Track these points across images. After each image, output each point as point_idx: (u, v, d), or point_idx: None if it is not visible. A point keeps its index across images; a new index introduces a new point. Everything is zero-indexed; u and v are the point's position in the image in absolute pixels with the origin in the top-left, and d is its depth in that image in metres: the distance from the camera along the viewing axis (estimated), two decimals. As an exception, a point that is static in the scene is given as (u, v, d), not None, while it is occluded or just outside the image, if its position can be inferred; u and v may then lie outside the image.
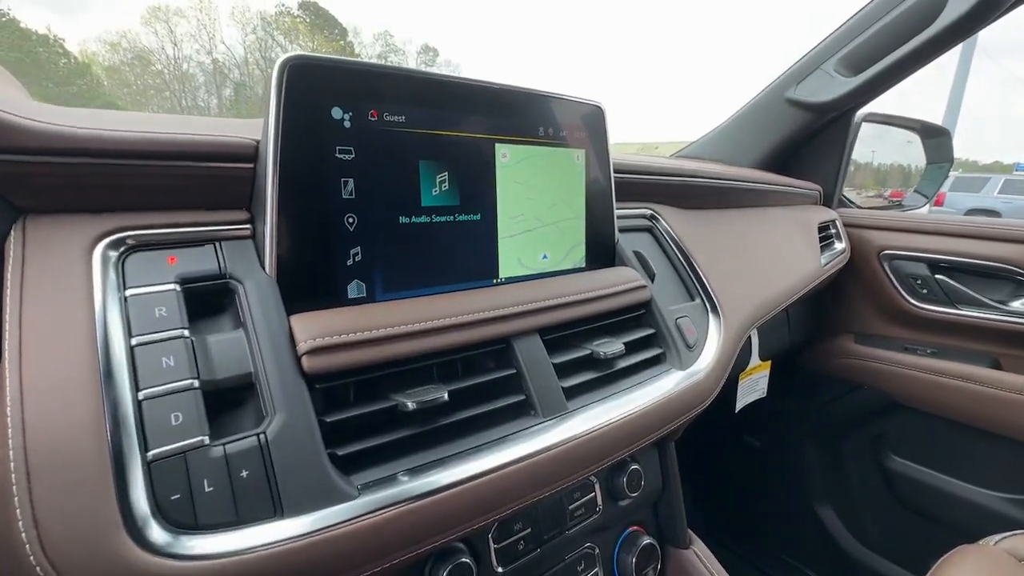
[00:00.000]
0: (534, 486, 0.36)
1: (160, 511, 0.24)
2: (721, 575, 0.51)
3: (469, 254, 0.42)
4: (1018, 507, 0.87)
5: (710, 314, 0.56)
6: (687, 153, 1.20)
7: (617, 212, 0.54)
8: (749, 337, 0.92)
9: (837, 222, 1.04)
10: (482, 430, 0.36)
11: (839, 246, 1.02)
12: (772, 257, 0.80)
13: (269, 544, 0.25)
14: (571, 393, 0.41)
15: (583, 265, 0.52)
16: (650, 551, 0.49)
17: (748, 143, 1.10)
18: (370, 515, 0.28)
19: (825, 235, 1.00)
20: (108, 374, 0.25)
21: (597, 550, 0.48)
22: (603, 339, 0.47)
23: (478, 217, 0.43)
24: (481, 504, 0.33)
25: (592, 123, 0.50)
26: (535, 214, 0.48)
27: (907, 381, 0.99)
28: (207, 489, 0.25)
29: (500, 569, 0.39)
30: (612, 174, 0.53)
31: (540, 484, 0.36)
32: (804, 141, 1.08)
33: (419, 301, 0.37)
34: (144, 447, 0.25)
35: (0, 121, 0.25)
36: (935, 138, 1.18)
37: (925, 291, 0.97)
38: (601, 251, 0.53)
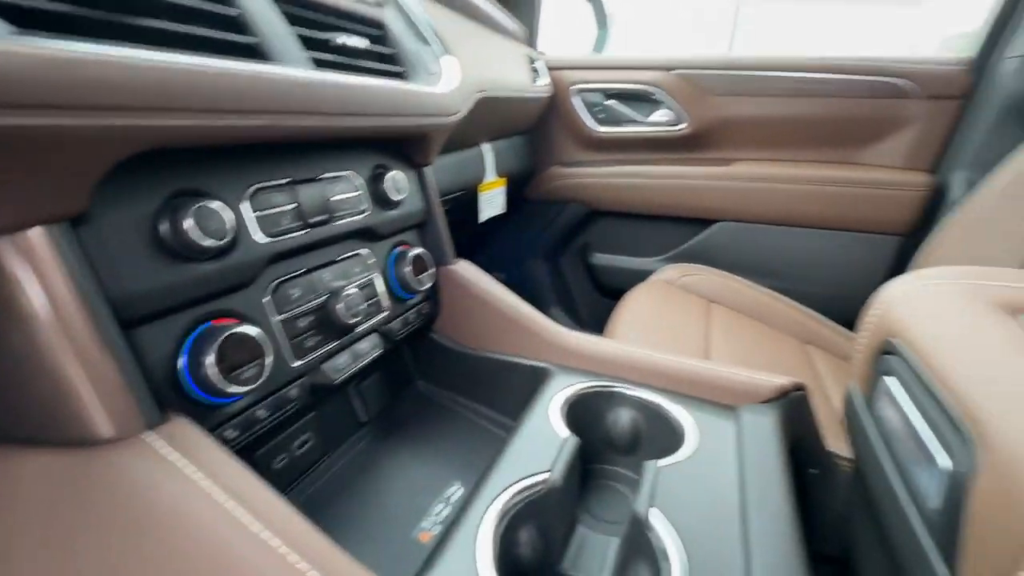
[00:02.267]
0: (276, 105, 0.32)
1: None
2: (490, 281, 0.58)
3: None
4: (667, 262, 1.24)
5: (445, 56, 0.59)
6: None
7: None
8: (481, 152, 1.03)
9: (540, 60, 1.21)
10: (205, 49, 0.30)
11: (543, 80, 1.19)
12: (496, 57, 0.88)
13: None
14: (316, 63, 0.38)
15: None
16: (423, 260, 0.52)
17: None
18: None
19: (532, 66, 1.15)
20: None
21: (372, 258, 0.48)
22: (344, 35, 0.44)
23: None
24: (222, 95, 0.28)
25: None
26: None
27: (599, 190, 1.27)
28: None
29: (262, 240, 0.35)
30: None
31: (281, 107, 0.33)
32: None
33: None
34: None
35: None
36: (595, 3, 1.46)
37: (603, 115, 1.23)
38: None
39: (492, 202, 1.08)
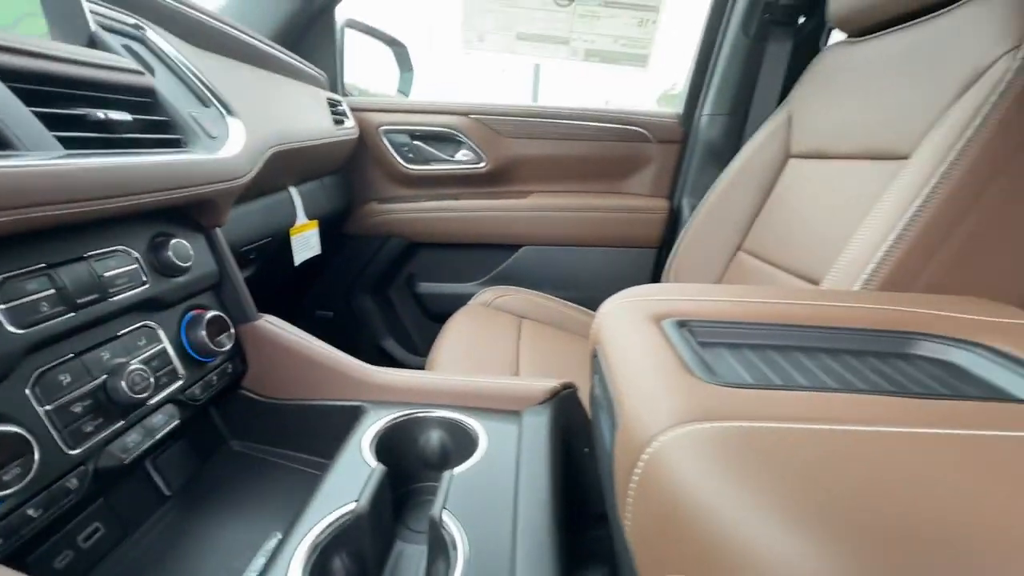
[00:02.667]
0: (19, 200, 0.32)
1: None
2: (296, 331, 0.60)
3: None
4: (484, 285, 1.37)
5: (228, 117, 0.60)
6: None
7: (94, 8, 0.49)
8: (290, 195, 1.02)
9: (343, 104, 1.24)
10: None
11: (349, 123, 1.22)
12: (291, 106, 0.90)
13: None
14: (67, 143, 0.38)
15: (48, 39, 0.45)
16: (220, 322, 0.52)
17: (259, 17, 1.13)
18: None
19: (336, 112, 1.18)
20: None
21: (160, 330, 0.47)
22: (104, 111, 0.43)
23: None
24: None
25: None
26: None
27: (416, 224, 1.35)
28: None
29: (15, 331, 0.34)
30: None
31: (25, 202, 0.33)
32: (304, 27, 1.20)
33: None
34: None
35: None
36: (398, 48, 1.55)
37: (411, 155, 1.32)
38: (71, 29, 0.47)
39: (306, 244, 1.08)
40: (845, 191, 0.78)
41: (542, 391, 0.58)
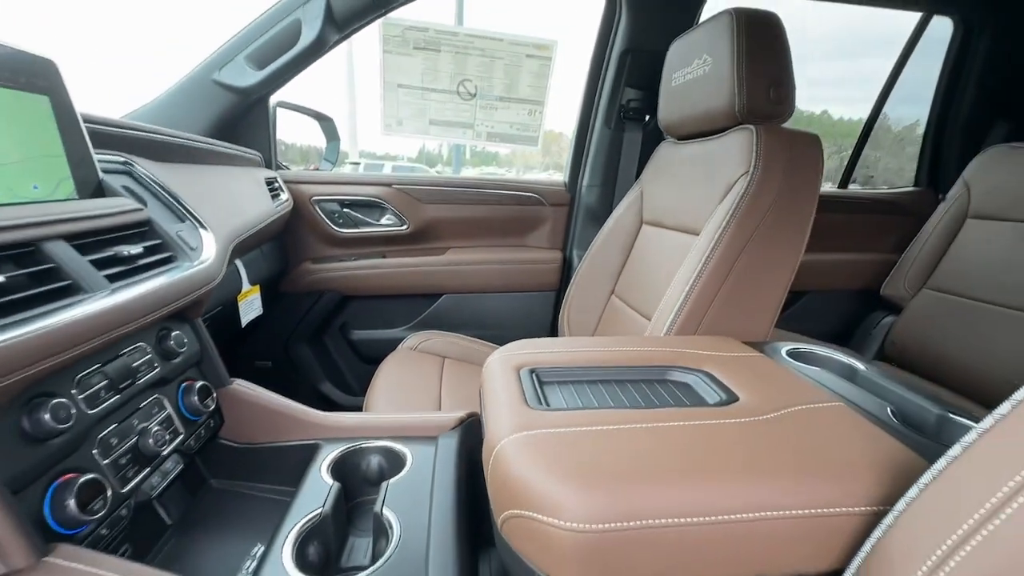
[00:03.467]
0: (95, 332, 0.50)
1: None
2: (259, 390, 0.79)
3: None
4: (412, 330, 1.57)
5: (200, 229, 0.78)
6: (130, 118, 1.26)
7: (96, 156, 0.66)
8: (237, 268, 1.18)
9: (279, 180, 1.42)
10: (48, 302, 0.47)
11: (284, 196, 1.40)
12: (238, 196, 1.08)
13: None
14: (115, 277, 0.56)
15: (76, 196, 0.62)
16: (205, 389, 0.70)
17: (191, 114, 1.29)
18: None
19: (272, 188, 1.35)
20: None
21: (165, 399, 0.64)
22: (122, 247, 0.61)
23: (-48, 146, 0.48)
24: (58, 344, 0.46)
25: (50, 74, 0.60)
26: (15, 150, 0.55)
27: (348, 280, 1.54)
28: None
29: (89, 411, 0.51)
30: (81, 121, 0.64)
31: (99, 331, 0.51)
32: (240, 116, 1.37)
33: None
34: None
35: None
36: (325, 122, 1.75)
37: (341, 220, 1.52)
38: (88, 185, 0.65)
39: (251, 307, 1.23)
40: (669, 253, 1.09)
41: (453, 420, 0.81)
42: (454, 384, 1.22)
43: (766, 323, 0.93)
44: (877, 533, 0.40)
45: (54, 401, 0.47)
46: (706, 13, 1.45)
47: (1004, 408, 0.36)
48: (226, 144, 1.22)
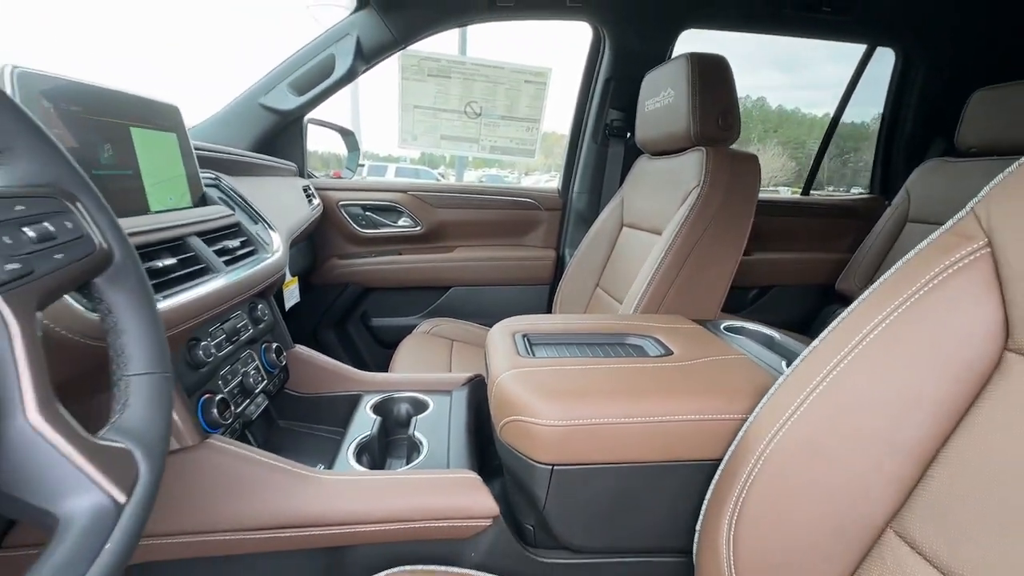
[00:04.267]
0: (224, 299, 0.74)
1: None
2: (315, 353, 1.02)
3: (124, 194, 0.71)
4: (424, 317, 1.80)
5: (270, 230, 1.02)
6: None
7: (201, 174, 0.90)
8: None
9: (311, 187, 1.65)
10: (195, 278, 0.70)
11: (316, 201, 1.63)
12: (286, 202, 1.31)
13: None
14: (227, 263, 0.79)
15: (191, 205, 0.86)
16: (278, 349, 0.93)
17: (239, 132, 1.53)
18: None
19: (307, 194, 1.59)
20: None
21: (254, 353, 0.88)
22: (227, 241, 0.85)
23: (130, 172, 0.72)
24: (204, 306, 0.69)
25: (175, 116, 0.84)
26: (158, 173, 0.79)
27: (370, 274, 1.77)
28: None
29: (218, 353, 0.75)
30: (193, 150, 0.88)
31: (225, 299, 0.74)
32: (279, 132, 1.61)
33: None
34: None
35: None
36: (347, 136, 1.98)
37: (363, 222, 1.75)
38: (197, 196, 0.88)
39: (292, 295, 1.47)
40: (641, 250, 1.32)
41: (463, 379, 1.04)
42: (462, 360, 1.45)
43: (714, 305, 1.16)
44: (743, 430, 0.63)
45: (203, 343, 0.70)
46: (680, 44, 1.68)
47: (816, 342, 0.59)
48: (272, 158, 1.46)
